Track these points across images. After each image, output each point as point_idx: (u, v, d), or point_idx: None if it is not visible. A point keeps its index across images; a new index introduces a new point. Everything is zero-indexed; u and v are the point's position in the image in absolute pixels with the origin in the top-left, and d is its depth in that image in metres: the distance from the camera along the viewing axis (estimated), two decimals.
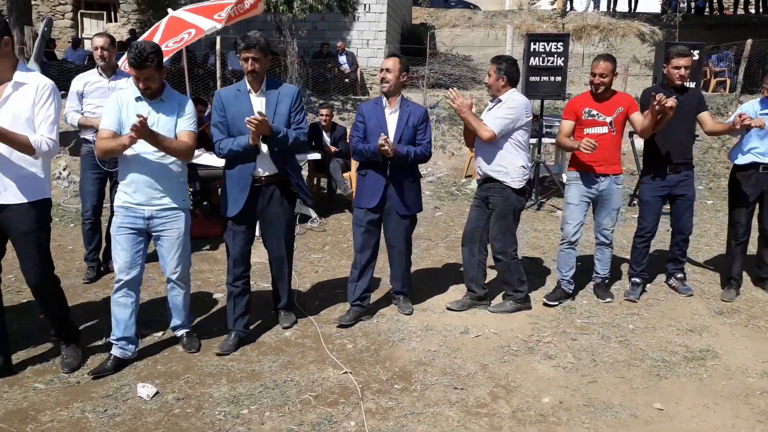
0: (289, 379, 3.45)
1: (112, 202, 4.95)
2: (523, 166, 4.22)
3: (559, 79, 7.52)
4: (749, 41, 12.43)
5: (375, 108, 4.12)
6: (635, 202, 7.87)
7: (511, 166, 4.17)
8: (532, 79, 7.51)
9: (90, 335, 3.92)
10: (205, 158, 6.15)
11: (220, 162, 6.09)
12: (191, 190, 7.05)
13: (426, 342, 3.96)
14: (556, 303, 4.56)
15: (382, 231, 4.26)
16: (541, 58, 7.54)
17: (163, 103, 3.50)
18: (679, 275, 4.89)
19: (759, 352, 3.92)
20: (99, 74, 4.77)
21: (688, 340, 4.07)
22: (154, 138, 3.32)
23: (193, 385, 3.38)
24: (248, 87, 3.75)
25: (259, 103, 3.71)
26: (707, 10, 21.54)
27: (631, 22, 19.39)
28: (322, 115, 7.60)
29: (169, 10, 6.55)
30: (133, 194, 3.48)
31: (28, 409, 3.08)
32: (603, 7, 21.58)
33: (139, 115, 3.21)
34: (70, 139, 8.86)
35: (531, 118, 4.22)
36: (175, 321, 3.84)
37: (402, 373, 3.55)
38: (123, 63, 5.05)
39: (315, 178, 7.89)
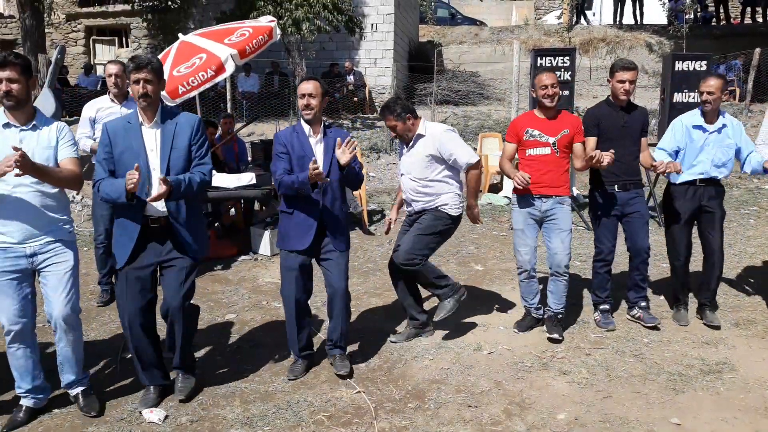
0: (302, 400, 3.44)
1: None
2: (458, 193, 4.15)
3: (566, 93, 7.53)
4: (757, 50, 12.40)
5: (297, 137, 3.68)
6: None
7: (446, 195, 4.09)
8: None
9: (104, 356, 3.94)
10: (216, 179, 6.20)
11: (231, 183, 6.19)
12: (202, 212, 7.12)
13: (439, 360, 3.94)
14: (527, 331, 4.37)
15: (323, 274, 3.82)
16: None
17: (37, 130, 3.12)
18: (643, 304, 4.51)
19: None
20: (111, 100, 4.85)
21: (704, 353, 4.02)
22: (39, 172, 2.97)
23: (207, 407, 3.38)
24: (140, 118, 3.26)
25: (152, 137, 3.24)
26: (714, 20, 21.52)
27: (638, 34, 19.40)
28: None
29: (180, 35, 6.65)
30: (9, 232, 3.06)
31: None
32: (609, 19, 21.63)
33: (15, 148, 2.82)
34: (83, 164, 8.97)
35: None
36: (69, 376, 3.31)
37: (415, 392, 3.54)
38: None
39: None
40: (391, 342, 4.22)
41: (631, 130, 4.29)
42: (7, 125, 3.08)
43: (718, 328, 4.37)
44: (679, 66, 7.27)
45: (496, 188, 9.42)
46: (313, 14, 11.92)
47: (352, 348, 4.11)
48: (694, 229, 4.55)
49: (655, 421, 3.22)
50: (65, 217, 3.26)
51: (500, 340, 4.22)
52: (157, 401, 3.37)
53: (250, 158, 7.82)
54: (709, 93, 4.22)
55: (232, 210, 7.27)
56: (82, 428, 3.15)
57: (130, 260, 3.24)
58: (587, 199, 4.70)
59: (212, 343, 4.21)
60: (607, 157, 3.95)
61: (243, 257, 6.31)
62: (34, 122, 3.13)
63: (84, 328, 4.30)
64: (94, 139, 4.81)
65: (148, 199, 3.11)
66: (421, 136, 4.09)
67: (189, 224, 3.31)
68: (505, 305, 4.81)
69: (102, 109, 4.82)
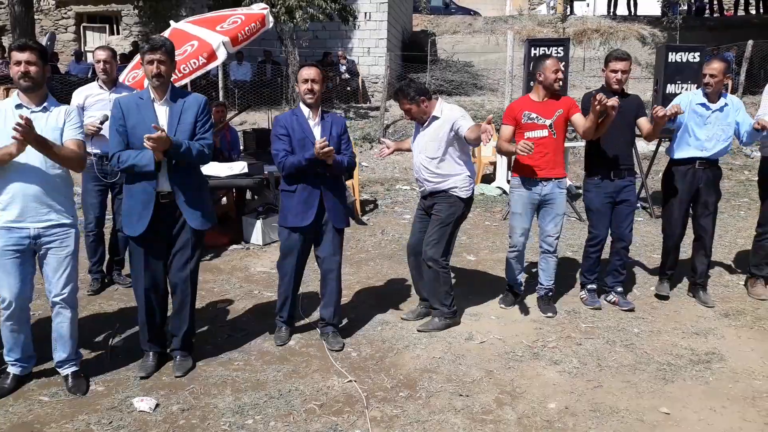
0: (294, 389, 3.44)
1: (114, 213, 5.00)
2: (469, 176, 4.18)
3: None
4: (750, 42, 12.44)
5: (297, 120, 3.86)
6: (638, 205, 7.87)
7: (457, 177, 4.13)
8: (534, 83, 7.51)
9: (95, 345, 3.93)
10: (208, 168, 6.16)
11: (223, 172, 6.15)
12: None
13: (430, 349, 3.95)
14: (510, 306, 4.59)
15: (314, 252, 4.01)
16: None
17: (47, 113, 3.23)
18: (619, 289, 4.67)
19: (765, 354, 3.90)
20: (100, 87, 4.80)
21: (693, 343, 4.05)
22: (42, 143, 3.04)
23: (198, 395, 3.38)
24: (152, 95, 3.46)
25: (162, 113, 3.45)
26: (708, 11, 21.54)
27: (632, 25, 19.41)
28: None
29: (171, 22, 6.59)
30: (14, 212, 3.16)
31: (33, 422, 3.08)
32: (603, 10, 21.62)
33: (22, 116, 2.94)
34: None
35: None
36: (61, 354, 3.41)
37: (407, 381, 3.55)
38: (125, 76, 5.08)
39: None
40: (403, 319, 4.39)
41: (624, 117, 4.34)
42: (19, 106, 3.20)
43: (712, 307, 4.57)
44: (673, 57, 7.28)
45: (488, 179, 9.42)
46: (306, 2, 11.85)
47: (343, 337, 4.10)
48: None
49: (645, 410, 3.25)
50: (69, 201, 3.35)
51: (492, 330, 4.24)
52: (155, 368, 3.59)
53: (242, 147, 7.78)
54: (711, 75, 4.37)
55: (224, 199, 7.23)
56: (73, 416, 3.14)
57: (147, 231, 3.42)
58: (580, 190, 4.73)
59: (203, 333, 4.20)
60: (612, 101, 4.01)
61: (234, 246, 6.29)
62: (45, 104, 3.24)
63: None
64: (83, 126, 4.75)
65: (145, 137, 3.19)
66: (436, 117, 4.12)
67: (193, 197, 3.51)
68: (497, 295, 4.82)
69: (91, 95, 4.77)
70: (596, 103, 3.98)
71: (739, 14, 22.23)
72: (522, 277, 4.65)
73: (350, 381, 3.53)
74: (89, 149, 4.71)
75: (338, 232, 3.94)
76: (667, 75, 7.29)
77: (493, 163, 9.31)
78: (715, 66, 4.38)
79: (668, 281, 4.85)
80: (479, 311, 4.56)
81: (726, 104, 4.49)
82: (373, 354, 3.89)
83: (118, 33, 16.96)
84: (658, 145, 7.99)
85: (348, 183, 7.34)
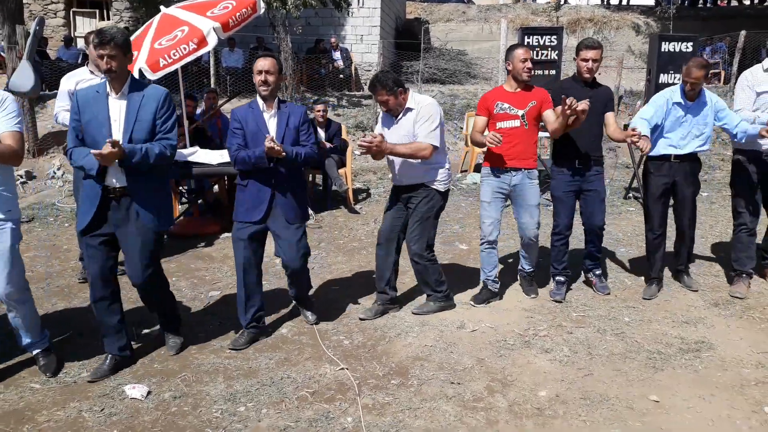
0: (286, 376, 3.45)
1: None
2: (447, 168, 4.15)
3: (553, 72, 7.54)
4: (743, 33, 12.45)
5: (251, 112, 3.76)
6: (630, 195, 7.91)
7: (435, 170, 4.09)
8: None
9: (86, 333, 3.92)
10: (199, 155, 6.13)
11: (215, 159, 6.12)
12: (185, 188, 7.06)
13: (422, 337, 3.96)
14: (484, 304, 4.45)
15: (276, 251, 3.97)
16: (535, 52, 7.54)
17: None
18: (597, 271, 4.73)
19: (754, 343, 3.93)
20: (90, 72, 4.75)
21: (683, 332, 4.08)
22: None
23: (190, 383, 3.38)
24: (107, 88, 3.27)
25: (117, 108, 3.25)
26: (701, 1, 21.55)
27: (626, 14, 19.41)
28: (317, 111, 7.59)
29: (162, 7, 6.51)
30: None
31: (25, 410, 3.08)
32: None
33: None
34: (64, 138, 8.84)
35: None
36: (25, 339, 3.42)
37: (398, 369, 3.56)
38: None
39: (310, 175, 7.87)
40: (360, 319, 4.23)
41: (595, 107, 4.24)
42: None
43: (696, 290, 4.68)
44: (666, 47, 7.29)
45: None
46: None
47: (335, 326, 4.12)
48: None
49: (635, 398, 3.27)
50: (7, 194, 3.21)
51: (483, 318, 4.25)
52: (106, 374, 3.39)
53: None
54: (693, 84, 4.32)
55: (216, 187, 7.20)
56: (64, 404, 3.13)
57: (91, 227, 3.29)
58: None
59: (195, 320, 4.20)
60: (583, 104, 3.95)
61: (226, 234, 6.26)
62: None
63: (65, 304, 4.28)
64: None
65: (91, 151, 3.08)
66: (409, 109, 4.05)
67: (149, 196, 3.34)
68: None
69: (82, 81, 4.70)
70: (566, 108, 3.95)
71: (732, 4, 22.24)
72: (496, 273, 4.53)
73: (342, 369, 3.54)
74: None
75: (297, 228, 3.82)
76: (659, 64, 7.30)
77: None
78: (697, 75, 4.27)
79: (657, 283, 4.74)
80: (470, 299, 4.57)
81: (704, 102, 4.43)
82: (365, 342, 3.90)
83: (108, 18, 16.77)
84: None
85: (341, 171, 7.34)
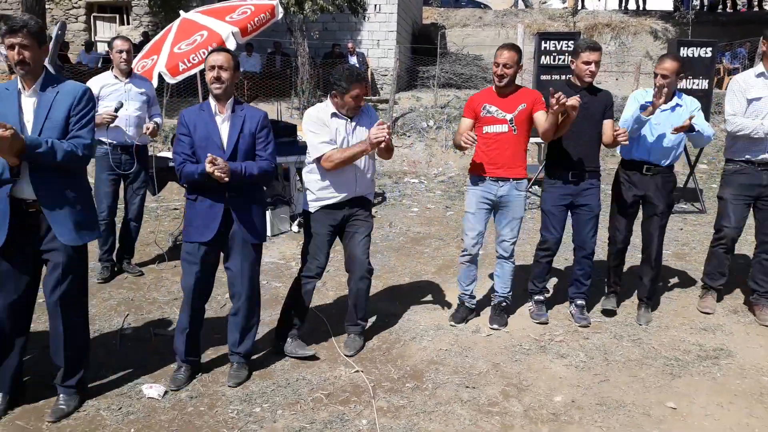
0: (301, 378, 3.47)
1: (126, 202, 5.03)
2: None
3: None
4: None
5: (201, 115, 3.29)
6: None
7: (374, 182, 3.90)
8: (543, 77, 7.50)
9: (105, 332, 3.97)
10: None
11: None
12: None
13: (437, 341, 3.96)
14: (462, 323, 4.21)
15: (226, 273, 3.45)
16: (551, 57, 7.53)
17: None
18: (580, 302, 4.31)
19: None
20: (115, 77, 4.82)
21: (701, 338, 4.04)
22: None
23: (206, 383, 3.40)
24: (19, 85, 2.92)
25: (29, 105, 2.90)
26: (720, 6, 21.36)
27: (643, 19, 19.27)
28: None
29: (181, 12, 6.60)
30: None
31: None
32: (614, 5, 21.49)
33: None
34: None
35: None
36: None
37: (413, 372, 3.56)
38: (134, 66, 5.10)
39: None
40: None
41: (591, 114, 4.03)
42: None
43: (644, 325, 4.24)
44: (684, 52, 7.22)
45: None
46: None
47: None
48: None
49: (651, 404, 3.25)
50: None
51: None
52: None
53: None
54: (663, 76, 4.04)
55: None
56: (83, 402, 3.17)
57: (6, 243, 2.88)
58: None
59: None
60: (573, 100, 3.66)
61: None
62: None
63: None
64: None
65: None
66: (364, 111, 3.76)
67: (65, 207, 2.94)
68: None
69: (107, 85, 4.79)
70: (554, 103, 3.63)
71: (752, 10, 22.02)
72: (473, 289, 4.27)
73: (357, 371, 3.55)
74: (103, 138, 4.76)
75: (250, 251, 3.38)
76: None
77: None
78: (667, 66, 4.02)
79: (615, 296, 4.51)
80: (485, 304, 4.56)
81: (679, 105, 4.16)
82: (380, 345, 3.91)
83: (128, 23, 16.99)
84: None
85: None
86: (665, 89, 3.94)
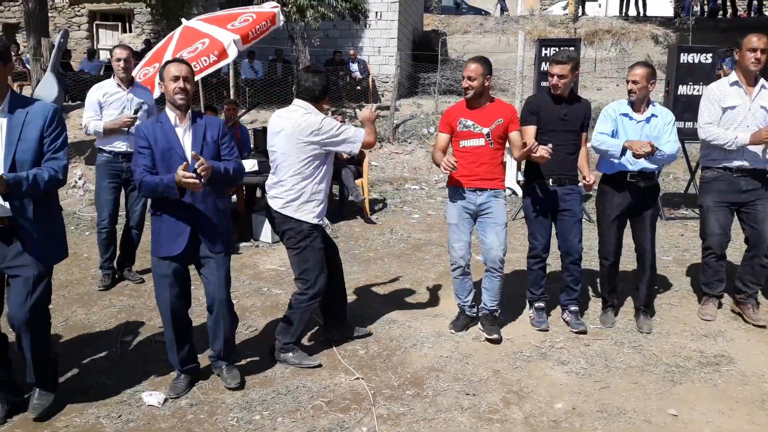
0: (301, 385, 3.46)
1: (127, 210, 5.05)
2: None
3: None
4: None
5: (160, 127, 3.24)
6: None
7: None
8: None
9: (105, 340, 3.97)
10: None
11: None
12: None
13: (438, 348, 3.95)
14: (463, 330, 4.20)
15: (202, 282, 3.43)
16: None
17: None
18: (573, 308, 4.29)
19: None
20: (117, 85, 4.83)
21: (702, 345, 4.03)
22: None
23: (206, 390, 3.40)
24: None
25: None
26: (721, 12, 21.39)
27: (644, 25, 19.31)
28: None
29: (183, 20, 6.63)
30: None
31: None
32: (615, 11, 21.55)
33: None
34: (86, 148, 8.99)
35: None
36: None
37: (414, 379, 3.55)
38: (136, 74, 5.12)
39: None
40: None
41: (570, 123, 4.07)
42: None
43: (648, 333, 4.21)
44: (684, 58, 7.23)
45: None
46: (317, 1, 11.87)
47: (350, 335, 4.11)
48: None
49: (652, 411, 3.24)
50: None
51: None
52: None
53: (252, 145, 7.81)
54: (633, 82, 4.06)
55: (234, 197, 7.27)
56: (82, 410, 3.17)
57: None
58: (590, 192, 4.63)
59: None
60: (542, 151, 3.74)
61: (244, 244, 6.32)
62: None
63: (85, 312, 4.35)
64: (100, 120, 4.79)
65: None
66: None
67: (38, 226, 2.94)
68: (505, 295, 4.81)
69: (108, 94, 4.80)
70: (526, 150, 3.75)
71: (752, 16, 22.05)
72: (472, 299, 4.25)
73: (357, 378, 3.54)
74: (104, 147, 4.79)
75: (221, 259, 3.34)
76: (678, 76, 7.25)
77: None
78: (637, 72, 4.04)
79: (612, 309, 4.45)
80: None
81: (654, 115, 4.12)
82: (380, 352, 3.90)
83: (130, 31, 17.06)
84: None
85: (358, 182, 7.37)
86: (646, 149, 3.90)
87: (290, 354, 3.72)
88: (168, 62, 3.30)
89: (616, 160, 4.14)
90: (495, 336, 4.05)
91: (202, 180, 3.08)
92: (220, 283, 3.34)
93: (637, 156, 3.97)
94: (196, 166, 3.06)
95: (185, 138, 3.26)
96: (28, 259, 2.91)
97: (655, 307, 4.66)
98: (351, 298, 4.83)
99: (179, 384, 3.39)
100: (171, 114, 3.27)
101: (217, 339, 3.43)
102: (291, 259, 3.70)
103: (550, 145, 3.81)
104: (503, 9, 24.25)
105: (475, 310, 4.30)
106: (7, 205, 2.84)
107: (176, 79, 3.21)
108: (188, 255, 3.29)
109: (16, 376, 3.20)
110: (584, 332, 4.19)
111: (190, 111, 3.29)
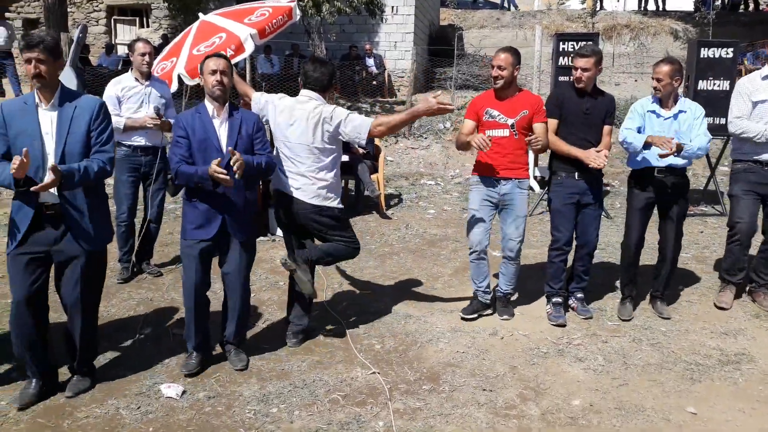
0: (318, 379, 3.47)
1: (146, 203, 5.08)
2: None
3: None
4: None
5: (199, 118, 3.41)
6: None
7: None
8: (562, 78, 7.43)
9: (124, 332, 4.01)
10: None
11: None
12: None
13: (454, 343, 3.95)
14: (474, 316, 4.29)
15: (221, 267, 3.61)
16: (570, 58, 7.46)
17: None
18: (579, 295, 4.43)
19: None
20: (135, 79, 4.86)
21: (722, 343, 3.99)
22: None
23: (224, 383, 3.42)
24: (37, 99, 3.04)
25: (48, 120, 3.02)
26: (742, 6, 21.08)
27: (663, 20, 19.08)
28: None
29: (200, 14, 6.65)
30: None
31: (65, 406, 3.16)
32: (633, 5, 21.31)
33: None
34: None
35: None
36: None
37: (430, 374, 3.55)
38: (153, 68, 5.15)
39: (343, 180, 7.91)
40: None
41: (593, 117, 4.14)
42: None
43: (668, 318, 4.31)
44: (705, 53, 7.13)
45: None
46: None
47: (367, 330, 4.13)
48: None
49: (671, 409, 3.21)
50: None
51: (516, 326, 4.22)
52: (33, 399, 3.17)
53: (269, 140, 7.83)
54: (657, 80, 4.09)
55: None
56: (102, 401, 3.21)
57: (20, 245, 3.05)
58: (607, 188, 4.61)
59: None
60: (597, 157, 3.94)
61: (260, 238, 6.34)
62: None
63: (104, 304, 4.37)
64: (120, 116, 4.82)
65: (32, 188, 2.86)
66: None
67: (86, 213, 3.11)
68: (523, 291, 4.80)
69: (127, 88, 4.82)
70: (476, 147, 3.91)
71: None
72: (487, 284, 4.32)
73: (374, 373, 3.55)
74: (123, 141, 4.82)
75: (245, 247, 3.54)
76: (699, 70, 7.15)
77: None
78: (662, 69, 4.05)
79: (630, 301, 4.45)
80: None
81: (682, 110, 4.13)
82: (396, 347, 3.90)
83: (147, 26, 17.16)
84: (726, 143, 7.52)
85: (373, 177, 7.36)
86: (670, 147, 3.90)
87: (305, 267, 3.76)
88: (208, 56, 3.47)
89: (639, 157, 4.18)
90: (506, 316, 4.31)
91: (236, 175, 3.25)
92: (240, 270, 3.54)
93: (662, 156, 3.97)
94: (231, 162, 3.24)
95: (221, 130, 3.44)
96: (74, 245, 3.10)
97: (675, 304, 4.61)
98: (366, 292, 4.84)
99: (192, 361, 3.54)
100: (209, 106, 3.45)
101: (230, 322, 3.62)
102: (330, 238, 3.79)
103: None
104: (511, 4, 24.10)
105: (489, 297, 4.37)
106: (54, 192, 3.00)
107: (214, 72, 3.38)
108: (215, 240, 3.47)
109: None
110: (590, 318, 4.32)
111: (228, 104, 3.46)
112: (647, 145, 4.04)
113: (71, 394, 3.24)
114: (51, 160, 2.99)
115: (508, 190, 4.11)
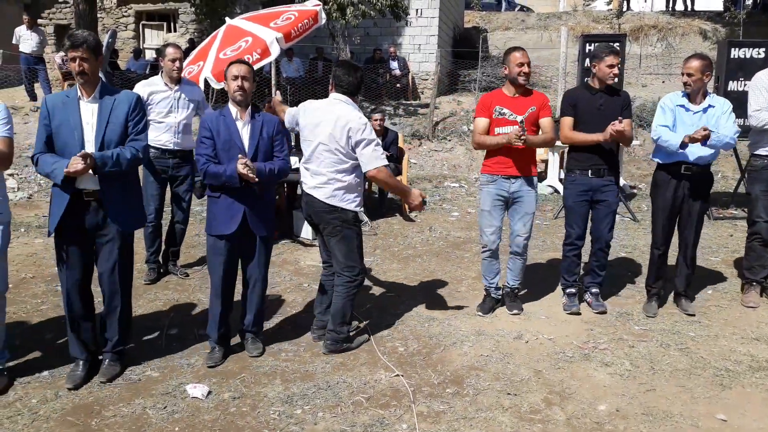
0: (342, 381, 3.48)
1: (173, 205, 5.15)
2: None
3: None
4: None
5: (223, 120, 3.64)
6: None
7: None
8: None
9: (150, 332, 4.07)
10: None
11: None
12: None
13: (478, 347, 3.93)
14: (489, 313, 4.41)
15: (242, 260, 3.80)
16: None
17: None
18: (594, 290, 4.51)
19: None
20: (165, 84, 4.91)
21: (753, 349, 3.91)
22: None
23: (249, 384, 3.45)
24: (79, 92, 3.31)
25: (90, 111, 3.29)
26: None
27: (691, 20, 18.77)
28: (375, 120, 7.64)
29: (227, 18, 6.73)
30: None
31: (93, 404, 3.21)
32: (660, 5, 21.02)
33: None
34: None
35: None
36: None
37: (454, 378, 3.54)
38: (183, 72, 5.21)
39: (366, 183, 7.93)
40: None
41: (607, 114, 4.18)
42: None
43: (693, 315, 4.38)
44: (735, 53, 7.02)
45: (540, 177, 9.28)
46: None
47: (390, 332, 4.12)
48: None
49: (700, 416, 3.15)
50: None
51: (541, 329, 4.18)
52: (81, 379, 3.40)
53: (293, 143, 7.88)
54: (688, 75, 4.15)
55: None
56: (130, 400, 3.25)
57: (62, 231, 3.30)
58: (634, 190, 4.58)
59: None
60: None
61: (285, 240, 6.38)
62: None
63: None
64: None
65: (64, 170, 3.12)
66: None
67: (121, 197, 3.37)
68: (547, 294, 4.76)
69: (156, 92, 4.85)
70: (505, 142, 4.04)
71: None
72: (498, 281, 4.49)
73: (397, 375, 3.54)
74: (150, 143, 4.86)
75: (264, 242, 3.75)
76: (729, 71, 7.03)
77: (545, 161, 9.15)
78: (693, 64, 4.12)
79: (657, 299, 4.50)
80: (528, 310, 4.51)
81: (711, 105, 4.18)
82: (420, 349, 3.89)
83: (175, 30, 17.41)
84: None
85: (397, 179, 7.36)
86: (702, 134, 3.98)
87: (351, 342, 3.90)
88: (231, 63, 3.69)
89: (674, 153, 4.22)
90: (515, 311, 4.41)
91: (255, 179, 3.51)
92: (260, 263, 3.77)
93: (692, 140, 4.01)
94: (243, 170, 3.48)
95: (244, 131, 3.66)
96: (113, 228, 3.37)
97: (704, 308, 4.53)
98: (390, 294, 4.84)
99: (215, 354, 3.71)
100: (233, 109, 3.67)
101: (250, 311, 3.83)
102: (336, 246, 3.78)
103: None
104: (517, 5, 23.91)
105: (500, 293, 4.54)
106: (95, 178, 3.25)
107: (236, 78, 3.60)
108: (238, 235, 3.65)
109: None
110: (604, 312, 4.42)
111: (250, 107, 3.67)
112: (683, 145, 4.07)
113: (104, 379, 3.43)
114: (90, 148, 3.24)
115: (517, 188, 4.21)
